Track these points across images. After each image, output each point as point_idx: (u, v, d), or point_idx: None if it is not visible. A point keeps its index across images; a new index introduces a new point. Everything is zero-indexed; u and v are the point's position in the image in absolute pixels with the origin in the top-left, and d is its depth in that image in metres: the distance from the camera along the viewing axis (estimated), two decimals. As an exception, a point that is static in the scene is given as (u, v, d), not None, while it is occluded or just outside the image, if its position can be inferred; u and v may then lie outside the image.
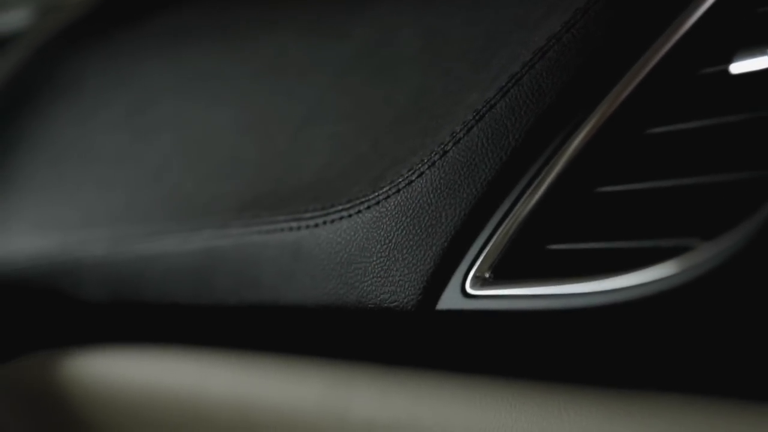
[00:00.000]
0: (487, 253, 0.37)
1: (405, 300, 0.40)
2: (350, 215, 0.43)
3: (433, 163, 0.40)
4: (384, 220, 0.42)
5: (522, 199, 0.37)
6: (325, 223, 0.45)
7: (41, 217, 0.66)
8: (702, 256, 0.31)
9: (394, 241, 0.41)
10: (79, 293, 0.61)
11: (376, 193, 0.43)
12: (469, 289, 0.38)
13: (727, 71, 0.34)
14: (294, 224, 0.46)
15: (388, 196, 0.42)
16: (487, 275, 0.38)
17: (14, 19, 0.91)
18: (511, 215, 0.37)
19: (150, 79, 0.67)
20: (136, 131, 0.65)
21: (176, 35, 0.68)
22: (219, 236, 0.51)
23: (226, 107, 0.60)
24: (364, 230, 0.42)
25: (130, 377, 0.61)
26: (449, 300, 0.39)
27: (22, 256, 0.65)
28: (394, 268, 0.41)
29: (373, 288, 0.41)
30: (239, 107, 0.59)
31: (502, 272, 0.37)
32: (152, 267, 0.55)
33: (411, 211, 0.41)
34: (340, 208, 0.44)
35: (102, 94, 0.70)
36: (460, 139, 0.40)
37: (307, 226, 0.45)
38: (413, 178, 0.41)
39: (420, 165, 0.41)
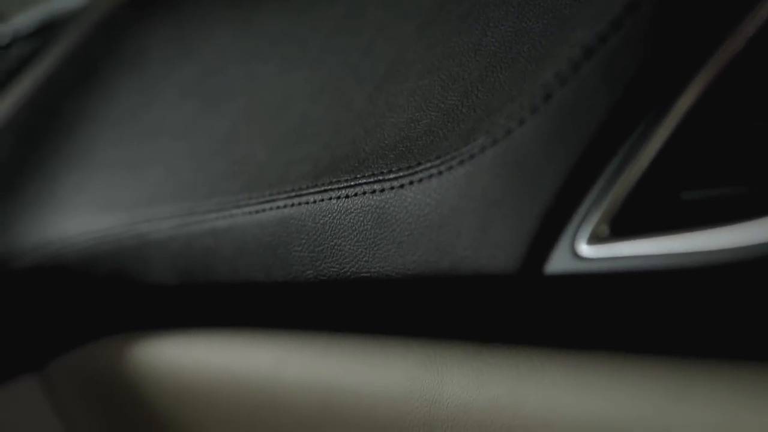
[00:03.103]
0: (604, 206, 0.32)
1: (507, 264, 0.35)
2: (440, 172, 0.39)
3: (536, 109, 0.35)
4: (480, 176, 0.37)
5: (646, 142, 0.32)
6: (411, 183, 0.40)
7: (107, 195, 0.62)
8: None
9: (492, 197, 0.36)
10: (147, 274, 0.58)
11: (470, 147, 0.38)
12: (582, 249, 0.33)
13: None
14: (377, 186, 0.42)
15: (484, 149, 0.37)
16: (603, 232, 0.32)
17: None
18: (633, 161, 0.32)
19: (218, 47, 0.64)
20: (204, 101, 0.61)
21: (244, 0, 0.64)
22: (294, 205, 0.47)
23: (299, 71, 0.55)
24: (457, 188, 0.38)
25: (201, 363, 0.57)
26: (559, 262, 0.34)
27: (88, 237, 0.61)
28: (493, 229, 0.36)
29: (469, 252, 0.37)
30: (312, 70, 0.54)
31: (621, 228, 0.32)
32: (223, 243, 0.51)
33: (511, 164, 0.36)
34: (428, 165, 0.39)
35: (168, 65, 0.66)
36: (566, 79, 0.35)
37: (392, 188, 0.41)
38: (512, 127, 0.36)
39: (520, 111, 0.36)
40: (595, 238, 0.32)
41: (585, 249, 0.33)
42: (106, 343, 0.64)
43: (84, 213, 0.63)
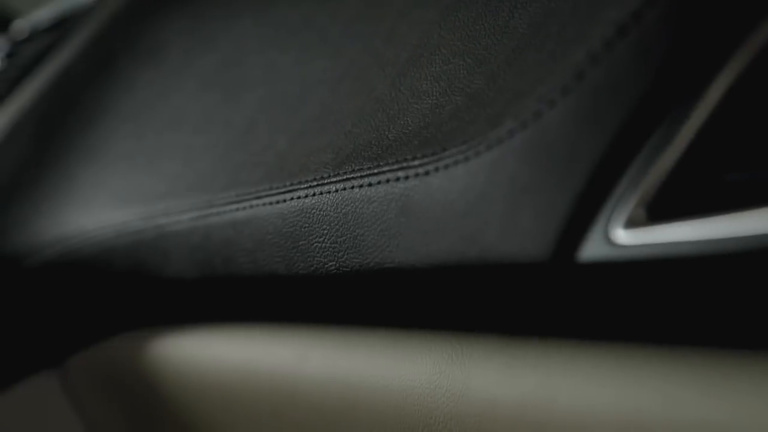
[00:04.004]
0: (640, 189, 0.31)
1: (537, 252, 0.34)
2: (467, 158, 0.37)
3: (567, 90, 0.34)
4: (508, 161, 0.35)
5: (685, 121, 0.30)
6: (437, 169, 0.38)
7: (125, 188, 0.61)
8: None
9: (521, 183, 0.34)
10: (166, 268, 0.56)
11: (498, 131, 0.36)
12: (617, 235, 0.31)
13: None
14: (401, 174, 0.40)
15: (513, 133, 0.36)
16: (640, 217, 0.31)
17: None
18: (672, 141, 0.30)
19: (237, 38, 0.62)
20: (223, 92, 0.60)
21: (263, -11, 0.63)
22: (315, 195, 0.45)
23: (319, 59, 0.54)
24: (485, 174, 0.36)
25: (221, 358, 0.56)
26: (593, 249, 0.32)
27: (106, 231, 0.60)
28: (523, 215, 0.34)
29: (498, 240, 0.35)
30: (333, 58, 0.53)
31: (659, 213, 0.31)
32: (243, 234, 0.50)
33: (541, 147, 0.34)
34: (454, 151, 0.38)
35: (187, 56, 0.65)
36: (599, 58, 0.33)
37: (416, 175, 0.39)
38: (542, 109, 0.35)
39: (550, 93, 0.35)
40: (631, 223, 0.31)
41: (620, 235, 0.31)
42: (124, 339, 0.63)
43: (102, 207, 0.62)
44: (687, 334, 0.32)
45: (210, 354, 0.57)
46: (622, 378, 0.35)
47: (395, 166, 0.41)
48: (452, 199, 0.37)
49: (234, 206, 0.51)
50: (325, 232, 0.45)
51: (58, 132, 0.69)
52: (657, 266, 0.31)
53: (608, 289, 0.33)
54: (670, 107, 0.31)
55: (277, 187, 0.48)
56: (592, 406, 0.36)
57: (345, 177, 0.44)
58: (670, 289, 0.31)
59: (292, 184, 0.47)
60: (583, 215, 0.32)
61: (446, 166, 0.38)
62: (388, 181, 0.41)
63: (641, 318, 0.34)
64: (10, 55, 0.85)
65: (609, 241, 0.32)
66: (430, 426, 0.42)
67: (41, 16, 0.91)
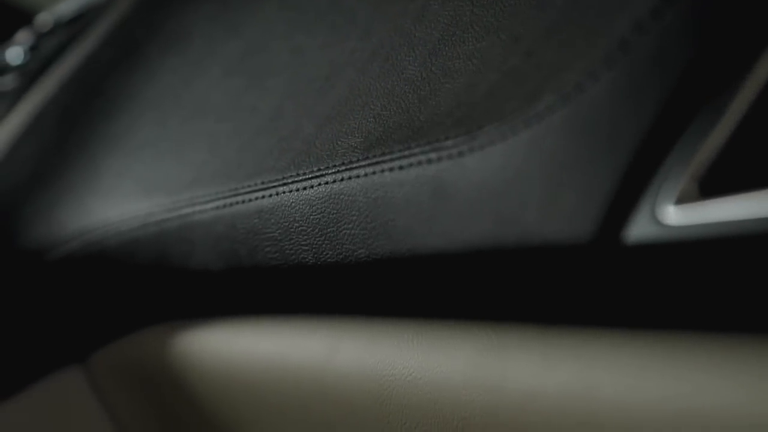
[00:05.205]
0: (692, 163, 0.29)
1: (580, 233, 0.32)
2: (504, 137, 0.35)
3: (612, 61, 0.32)
4: (548, 138, 0.33)
5: (740, 89, 0.28)
6: (471, 149, 0.37)
7: (148, 177, 0.60)
8: None
9: (562, 161, 0.33)
10: (191, 259, 0.55)
11: (536, 107, 0.34)
12: (666, 213, 0.29)
13: None
14: (433, 155, 0.38)
15: (553, 109, 0.34)
16: (692, 193, 0.29)
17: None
18: (726, 110, 0.28)
19: (262, 23, 0.61)
20: (249, 78, 0.58)
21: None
22: (344, 180, 0.44)
23: (347, 41, 0.52)
24: (523, 153, 0.34)
25: (248, 351, 0.55)
26: (640, 229, 0.30)
27: (130, 222, 0.59)
28: (565, 194, 0.32)
29: (538, 222, 0.33)
30: (361, 39, 0.51)
31: (712, 188, 0.29)
32: (269, 223, 0.49)
33: (584, 123, 0.32)
34: (490, 129, 0.36)
35: (212, 43, 0.64)
36: (647, 27, 0.31)
37: (450, 156, 0.38)
38: (585, 83, 0.33)
39: (593, 66, 0.33)
40: (682, 200, 0.29)
41: (670, 213, 0.29)
42: (149, 332, 0.62)
43: (125, 196, 0.60)
44: (743, 321, 0.30)
45: (237, 347, 0.55)
46: (671, 369, 0.33)
47: (427, 148, 0.39)
48: (488, 180, 0.36)
49: (260, 194, 0.49)
50: (354, 218, 0.43)
51: (81, 121, 0.68)
52: (710, 247, 0.28)
53: (656, 272, 0.31)
54: (723, 76, 0.29)
55: (304, 173, 0.47)
56: (636, 399, 0.34)
57: (374, 160, 0.42)
58: (724, 272, 0.29)
59: (319, 170, 0.46)
60: (629, 193, 0.30)
61: (481, 146, 0.36)
62: (419, 163, 0.39)
63: (692, 304, 0.32)
64: (33, 48, 0.84)
65: (657, 221, 0.30)
66: (466, 420, 0.41)
67: (65, 9, 0.91)
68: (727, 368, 0.31)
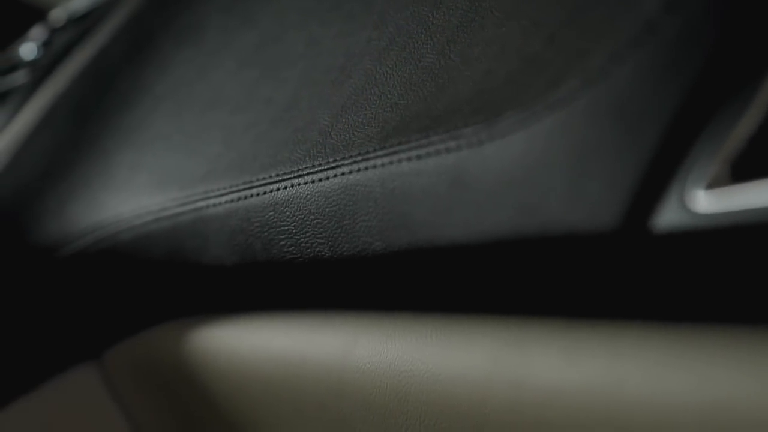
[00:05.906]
0: (724, 147, 0.28)
1: (606, 221, 0.31)
2: (525, 124, 0.34)
3: (638, 43, 0.31)
4: (572, 123, 0.32)
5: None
6: (491, 137, 0.35)
7: (162, 171, 0.59)
8: None
9: (587, 146, 0.31)
10: (205, 253, 0.54)
11: (559, 92, 0.33)
12: (697, 199, 0.28)
13: None
14: (452, 144, 0.37)
15: (576, 93, 0.32)
16: (724, 178, 0.28)
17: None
18: (759, 91, 0.27)
19: (277, 13, 0.60)
20: (263, 70, 0.57)
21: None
22: (360, 170, 0.43)
23: (362, 30, 0.51)
24: (545, 139, 0.33)
25: (264, 348, 0.54)
26: (669, 216, 0.29)
27: (143, 216, 0.58)
28: (590, 181, 0.31)
29: (561, 210, 0.32)
30: (377, 28, 0.50)
31: (746, 173, 0.27)
32: (284, 215, 0.48)
33: (610, 107, 0.31)
34: (510, 116, 0.35)
35: (226, 34, 0.63)
36: (675, 6, 0.30)
37: (469, 144, 0.36)
38: (610, 66, 0.32)
39: (618, 48, 0.32)
40: (713, 185, 0.28)
41: (701, 199, 0.28)
42: (164, 329, 0.61)
43: (138, 191, 0.60)
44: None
45: (252, 343, 0.54)
46: (700, 365, 0.31)
47: (445, 136, 0.38)
48: (509, 169, 0.34)
49: (274, 186, 0.48)
50: (371, 209, 0.42)
51: (94, 114, 0.67)
52: (745, 234, 0.27)
53: (686, 262, 0.30)
54: (756, 54, 0.28)
55: (320, 165, 0.46)
56: (664, 395, 0.33)
57: (391, 150, 0.41)
58: (759, 262, 0.28)
59: (335, 161, 0.45)
60: (657, 179, 0.29)
61: (502, 134, 0.35)
62: (438, 152, 0.38)
63: (723, 295, 0.31)
64: (47, 44, 0.84)
65: (687, 207, 0.28)
66: (486, 416, 0.40)
67: (78, 5, 0.90)
68: (762, 363, 0.30)
